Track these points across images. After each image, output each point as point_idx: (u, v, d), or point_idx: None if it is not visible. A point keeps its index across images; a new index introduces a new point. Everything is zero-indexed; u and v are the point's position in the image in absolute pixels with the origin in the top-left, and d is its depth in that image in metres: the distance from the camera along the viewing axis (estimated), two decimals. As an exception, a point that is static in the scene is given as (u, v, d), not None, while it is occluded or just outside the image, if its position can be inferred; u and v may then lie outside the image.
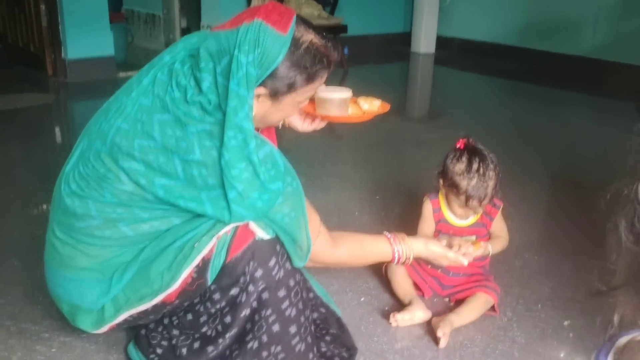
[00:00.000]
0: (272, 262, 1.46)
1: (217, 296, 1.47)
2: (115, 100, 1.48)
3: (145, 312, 1.48)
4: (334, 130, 4.03)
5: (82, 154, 1.47)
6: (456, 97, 5.32)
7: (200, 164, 1.33)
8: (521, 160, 3.31)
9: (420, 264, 2.01)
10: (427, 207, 2.04)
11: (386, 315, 1.90)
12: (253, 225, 1.43)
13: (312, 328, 1.62)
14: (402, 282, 1.99)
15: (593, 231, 2.42)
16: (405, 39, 6.95)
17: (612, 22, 5.50)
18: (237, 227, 1.42)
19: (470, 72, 6.16)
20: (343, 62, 5.66)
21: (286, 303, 1.50)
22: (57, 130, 4.17)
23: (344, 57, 5.70)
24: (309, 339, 1.57)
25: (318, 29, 1.43)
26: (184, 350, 1.52)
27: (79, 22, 4.93)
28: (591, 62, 5.60)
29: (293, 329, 1.52)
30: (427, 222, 2.05)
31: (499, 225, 2.05)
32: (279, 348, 1.51)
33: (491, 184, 1.89)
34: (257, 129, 1.53)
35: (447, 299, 2.03)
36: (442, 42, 6.78)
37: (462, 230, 2.01)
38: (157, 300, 1.45)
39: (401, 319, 1.85)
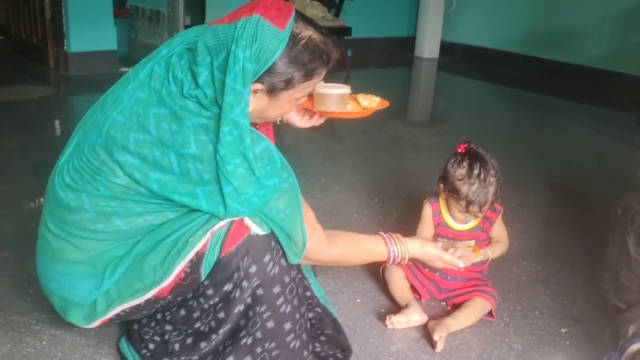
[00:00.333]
0: (266, 258, 1.44)
1: (210, 292, 1.45)
2: (112, 93, 1.47)
3: (137, 307, 1.47)
4: (334, 131, 4.02)
5: (76, 147, 1.45)
6: (458, 103, 5.31)
7: (196, 158, 1.32)
8: (521, 168, 3.30)
9: (419, 266, 2.00)
10: (427, 211, 2.03)
11: (382, 318, 1.88)
12: (248, 221, 1.41)
13: (308, 325, 1.60)
14: (400, 285, 1.97)
15: (591, 242, 2.42)
16: (409, 43, 6.95)
17: (616, 33, 5.49)
18: (231, 222, 1.40)
19: (473, 79, 6.15)
20: (346, 64, 5.65)
21: (281, 299, 1.48)
22: (56, 123, 4.15)
23: (348, 59, 5.69)
24: (304, 336, 1.55)
25: (318, 26, 1.41)
26: (177, 346, 1.50)
27: (82, 15, 4.93)
28: (594, 72, 5.59)
29: (288, 325, 1.50)
30: (426, 226, 2.03)
31: (499, 230, 2.04)
32: (273, 345, 1.49)
33: (492, 189, 1.87)
34: (255, 125, 1.51)
35: (444, 303, 2.01)
36: (446, 48, 6.78)
37: (461, 234, 1.99)
38: (149, 295, 1.43)
39: (397, 322, 1.83)
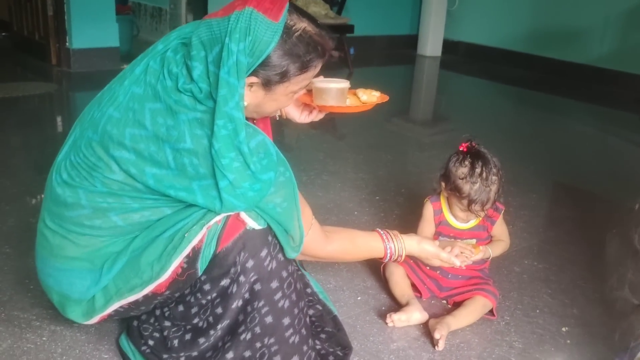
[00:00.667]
0: (263, 253, 1.44)
1: (207, 287, 1.45)
2: (109, 89, 1.47)
3: (136, 303, 1.46)
4: (336, 129, 4.01)
5: (74, 143, 1.45)
6: (461, 101, 5.31)
7: (191, 152, 1.31)
8: (523, 167, 3.30)
9: (419, 264, 1.99)
10: (428, 209, 2.02)
11: (382, 315, 1.87)
12: (244, 215, 1.40)
13: (307, 320, 1.60)
14: (400, 283, 1.97)
15: (593, 241, 2.41)
16: (411, 41, 6.94)
17: (619, 32, 5.48)
18: (227, 217, 1.39)
19: (475, 77, 6.14)
20: (349, 62, 5.64)
21: (279, 294, 1.47)
22: (59, 119, 4.15)
23: (350, 57, 5.69)
24: (304, 331, 1.55)
25: (313, 18, 1.40)
26: (176, 342, 1.50)
27: (85, 12, 4.92)
28: (597, 71, 5.58)
29: (286, 320, 1.49)
30: (427, 224, 2.03)
31: (500, 229, 2.04)
32: (272, 340, 1.48)
33: (494, 188, 1.87)
34: (253, 120, 1.51)
35: (444, 301, 2.00)
36: (449, 46, 6.78)
37: (463, 232, 1.99)
38: (147, 290, 1.43)
39: (397, 320, 1.83)
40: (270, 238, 1.45)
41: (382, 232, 1.76)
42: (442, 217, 2.01)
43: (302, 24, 1.35)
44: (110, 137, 1.35)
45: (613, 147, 4.03)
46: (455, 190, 1.90)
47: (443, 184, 1.95)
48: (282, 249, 1.48)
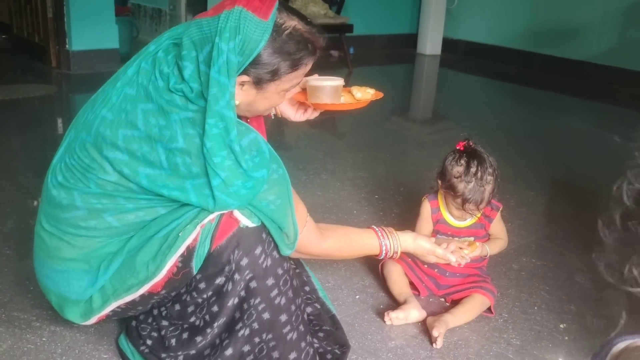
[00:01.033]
0: (258, 251, 1.44)
1: (202, 285, 1.45)
2: (102, 91, 1.48)
3: (133, 303, 1.47)
4: (335, 128, 4.02)
5: (68, 146, 1.47)
6: (460, 100, 5.31)
7: (184, 152, 1.32)
8: (521, 164, 3.30)
9: (417, 263, 2.00)
10: (426, 208, 2.03)
11: (381, 314, 1.88)
12: (237, 213, 1.40)
13: (305, 317, 1.60)
14: (398, 281, 1.97)
15: (590, 238, 2.41)
16: (411, 40, 6.95)
17: (617, 28, 5.48)
18: (221, 216, 1.40)
19: (475, 75, 6.14)
20: (348, 62, 5.65)
21: (275, 291, 1.48)
22: (59, 121, 4.15)
23: (349, 56, 5.69)
24: (301, 328, 1.56)
25: (303, 15, 1.41)
26: (173, 341, 1.51)
27: (84, 14, 4.93)
28: (596, 67, 5.58)
29: (283, 317, 1.50)
30: (425, 222, 2.03)
31: (498, 227, 2.04)
32: (270, 336, 1.49)
33: (488, 188, 1.87)
34: (246, 119, 1.52)
35: (442, 299, 2.01)
36: (448, 44, 6.78)
37: (460, 231, 2.00)
38: (143, 290, 1.44)
39: (395, 318, 1.83)
40: (264, 236, 1.46)
41: (377, 229, 1.77)
42: (440, 216, 2.01)
43: (292, 22, 1.36)
44: (104, 138, 1.36)
45: (611, 143, 4.03)
46: (450, 189, 1.90)
47: (439, 182, 1.96)
48: (276, 246, 1.49)
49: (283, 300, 1.50)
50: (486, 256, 1.99)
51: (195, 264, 1.41)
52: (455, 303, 1.93)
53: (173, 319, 1.53)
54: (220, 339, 1.48)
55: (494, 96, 5.47)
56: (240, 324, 1.46)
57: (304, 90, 1.73)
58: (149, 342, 1.55)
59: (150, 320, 1.58)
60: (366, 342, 1.77)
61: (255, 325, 1.47)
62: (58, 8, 4.96)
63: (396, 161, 3.38)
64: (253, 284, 1.45)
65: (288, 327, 1.52)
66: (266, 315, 1.47)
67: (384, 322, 1.85)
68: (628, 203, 0.57)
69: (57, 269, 1.49)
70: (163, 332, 1.53)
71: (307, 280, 1.86)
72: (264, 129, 1.66)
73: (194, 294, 1.47)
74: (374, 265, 2.10)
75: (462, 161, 1.88)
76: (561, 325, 1.89)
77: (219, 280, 1.44)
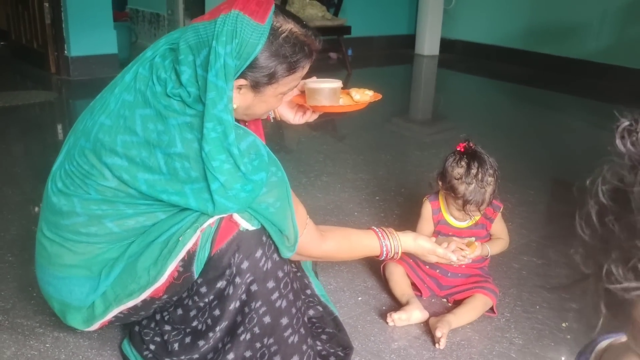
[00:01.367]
0: (258, 254, 1.45)
1: (204, 289, 1.46)
2: (100, 98, 1.49)
3: (135, 308, 1.48)
4: (336, 130, 4.03)
5: (68, 153, 1.47)
6: (459, 100, 5.31)
7: (183, 156, 1.33)
8: (521, 163, 3.30)
9: (419, 263, 2.00)
10: (427, 208, 2.03)
11: (383, 315, 1.88)
12: (237, 217, 1.41)
13: (306, 319, 1.61)
14: (400, 282, 1.98)
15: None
16: (409, 41, 6.95)
17: (616, 26, 5.48)
18: (221, 219, 1.40)
19: (473, 75, 6.14)
20: (347, 63, 5.65)
21: (276, 294, 1.49)
22: (59, 127, 4.16)
23: (348, 58, 5.70)
24: (302, 331, 1.56)
25: (299, 19, 1.42)
26: (176, 346, 1.52)
27: (82, 19, 4.93)
28: (595, 66, 5.58)
29: (284, 320, 1.51)
30: (426, 223, 2.04)
31: (499, 227, 2.04)
32: (271, 340, 1.50)
33: (489, 189, 1.87)
34: (244, 123, 1.52)
35: (445, 300, 2.01)
36: (446, 45, 6.78)
37: (461, 231, 2.00)
38: (145, 295, 1.44)
39: (398, 319, 1.84)
40: (264, 238, 1.46)
41: (377, 230, 1.77)
42: (441, 216, 2.02)
43: (289, 25, 1.37)
44: (103, 144, 1.37)
45: (610, 142, 4.03)
46: (450, 190, 1.91)
47: (440, 183, 1.96)
48: (277, 249, 1.49)
49: (284, 303, 1.50)
50: (487, 256, 2.00)
51: (196, 268, 1.42)
52: (458, 303, 1.94)
53: (175, 324, 1.53)
54: (223, 343, 1.49)
55: (493, 96, 5.47)
56: (241, 328, 1.47)
57: (302, 92, 1.73)
58: (152, 347, 1.56)
59: (153, 325, 1.58)
60: (369, 343, 1.77)
61: (257, 330, 1.47)
62: (56, 14, 4.97)
63: (397, 162, 3.38)
64: (254, 287, 1.45)
65: (289, 331, 1.52)
66: (267, 319, 1.48)
67: (387, 323, 1.85)
68: (604, 200, 0.56)
69: (58, 276, 1.50)
70: (166, 337, 1.54)
71: (308, 284, 1.86)
72: (262, 132, 1.67)
73: (196, 298, 1.47)
74: (375, 267, 2.10)
75: (463, 163, 1.88)
76: (563, 324, 1.90)
77: (220, 284, 1.44)
